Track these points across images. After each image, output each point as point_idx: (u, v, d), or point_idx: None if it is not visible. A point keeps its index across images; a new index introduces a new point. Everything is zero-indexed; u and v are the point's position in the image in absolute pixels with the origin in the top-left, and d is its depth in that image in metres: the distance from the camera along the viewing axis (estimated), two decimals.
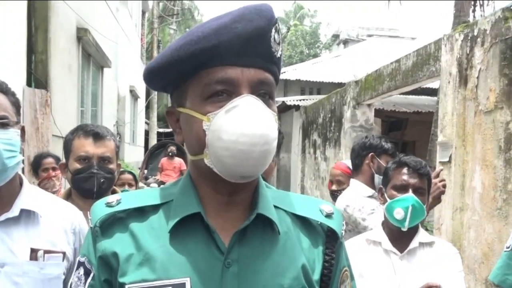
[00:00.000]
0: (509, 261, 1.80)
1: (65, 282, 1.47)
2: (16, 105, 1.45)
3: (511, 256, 1.79)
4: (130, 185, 4.10)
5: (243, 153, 0.87)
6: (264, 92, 0.93)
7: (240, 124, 0.87)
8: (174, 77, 0.95)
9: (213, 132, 0.89)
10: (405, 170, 2.01)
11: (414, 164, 2.00)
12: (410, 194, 1.96)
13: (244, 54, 0.91)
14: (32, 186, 1.56)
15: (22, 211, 1.43)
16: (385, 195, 2.05)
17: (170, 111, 1.01)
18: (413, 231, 2.01)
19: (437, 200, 2.40)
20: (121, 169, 4.67)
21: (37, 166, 3.73)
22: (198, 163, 0.94)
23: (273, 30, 0.92)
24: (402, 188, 1.99)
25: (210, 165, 0.91)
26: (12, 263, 1.38)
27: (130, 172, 4.27)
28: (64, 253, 1.48)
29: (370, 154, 2.69)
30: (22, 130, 1.45)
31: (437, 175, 2.44)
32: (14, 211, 1.41)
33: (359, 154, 2.74)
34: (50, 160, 3.69)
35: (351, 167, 2.96)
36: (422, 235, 2.04)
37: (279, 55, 0.96)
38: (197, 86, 0.92)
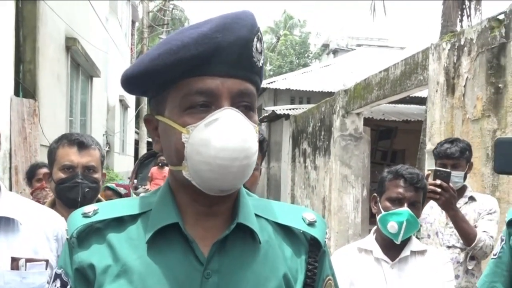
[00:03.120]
0: (496, 268, 1.80)
1: None
2: None
3: (498, 264, 1.79)
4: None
5: (223, 167, 0.85)
6: (245, 104, 0.90)
7: (220, 139, 0.85)
8: (153, 85, 0.93)
9: (192, 145, 0.87)
10: (401, 182, 1.97)
11: (410, 177, 1.96)
12: (405, 208, 1.93)
13: (224, 64, 0.88)
14: (11, 193, 1.51)
15: (1, 218, 1.38)
16: (379, 204, 2.03)
17: (148, 118, 0.98)
18: (405, 240, 2.00)
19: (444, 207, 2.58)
20: (107, 184, 4.48)
21: (31, 175, 3.69)
22: (177, 174, 0.92)
23: (255, 40, 0.90)
24: (398, 201, 1.96)
25: (189, 178, 0.89)
26: None
27: (109, 188, 4.11)
28: (47, 261, 1.43)
29: None
30: None
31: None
32: None
33: None
34: (44, 170, 3.64)
35: None
36: (414, 244, 2.03)
37: (261, 64, 0.93)
38: (176, 96, 0.90)
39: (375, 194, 2.10)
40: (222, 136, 0.85)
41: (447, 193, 2.50)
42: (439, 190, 2.49)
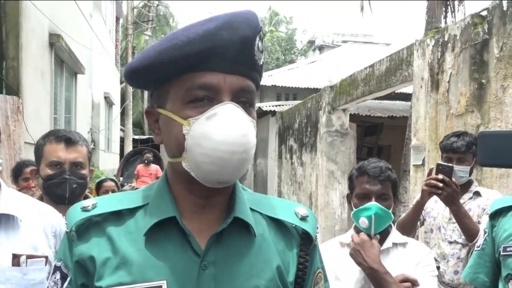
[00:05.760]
0: (479, 260, 1.83)
1: None
2: None
3: (481, 256, 1.83)
4: (113, 192, 4.05)
5: (222, 160, 0.88)
6: (245, 100, 0.93)
7: (221, 132, 0.87)
8: (156, 78, 0.95)
9: (193, 138, 0.89)
10: (366, 178, 2.00)
11: (373, 171, 1.99)
12: (372, 202, 1.96)
13: (227, 61, 0.91)
14: (10, 190, 1.52)
15: (1, 215, 1.39)
16: (351, 202, 2.07)
17: (150, 111, 1.00)
18: (385, 232, 2.02)
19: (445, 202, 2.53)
20: (103, 177, 4.60)
21: (17, 173, 3.59)
22: (176, 165, 0.95)
23: (257, 39, 0.93)
24: (365, 197, 1.99)
25: (188, 169, 0.92)
26: None
27: (112, 179, 4.25)
28: (46, 257, 1.45)
29: None
30: None
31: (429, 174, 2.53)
32: None
33: None
34: (31, 168, 3.56)
35: None
36: (395, 236, 2.06)
37: (261, 63, 0.97)
38: (178, 89, 0.92)
39: (348, 192, 2.13)
40: (223, 130, 0.88)
41: (449, 187, 2.44)
42: (441, 184, 2.44)
